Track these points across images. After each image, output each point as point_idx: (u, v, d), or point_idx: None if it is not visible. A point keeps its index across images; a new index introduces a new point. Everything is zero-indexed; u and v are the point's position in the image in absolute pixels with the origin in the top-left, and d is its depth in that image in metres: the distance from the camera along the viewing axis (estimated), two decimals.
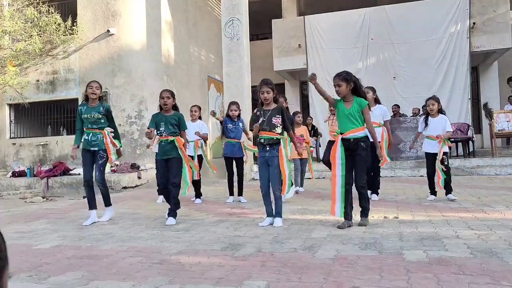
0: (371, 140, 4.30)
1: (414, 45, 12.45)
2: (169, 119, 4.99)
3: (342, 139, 4.14)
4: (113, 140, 5.12)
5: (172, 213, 4.88)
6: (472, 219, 4.33)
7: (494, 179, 8.43)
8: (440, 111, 5.87)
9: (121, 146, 5.28)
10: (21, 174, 11.04)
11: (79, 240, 4.08)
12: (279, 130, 4.41)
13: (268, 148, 4.42)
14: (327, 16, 13.35)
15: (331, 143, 6.55)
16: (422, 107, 11.43)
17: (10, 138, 12.29)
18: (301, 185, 8.09)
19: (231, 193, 6.63)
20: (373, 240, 3.55)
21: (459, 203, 5.40)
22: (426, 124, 5.89)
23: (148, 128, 5.02)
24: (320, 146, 11.85)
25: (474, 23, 12.11)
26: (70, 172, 10.56)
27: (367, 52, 12.88)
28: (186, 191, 5.25)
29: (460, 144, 11.05)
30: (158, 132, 5.01)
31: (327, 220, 4.58)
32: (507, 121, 9.94)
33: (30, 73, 11.80)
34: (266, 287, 2.47)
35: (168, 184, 4.93)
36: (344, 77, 4.13)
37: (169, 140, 4.93)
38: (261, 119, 4.45)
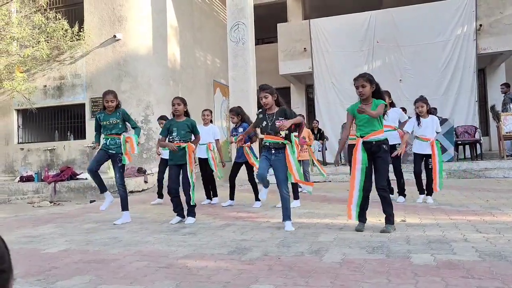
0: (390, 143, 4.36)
1: (420, 48, 12.40)
2: (181, 125, 5.15)
3: (363, 142, 4.09)
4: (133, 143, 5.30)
5: (191, 213, 5.15)
6: (480, 222, 4.29)
7: (503, 181, 8.35)
8: (430, 111, 5.92)
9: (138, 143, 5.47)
10: (29, 179, 11.12)
11: (86, 244, 4.09)
12: (283, 134, 4.40)
13: (273, 151, 4.42)
14: (332, 20, 13.35)
15: (351, 147, 6.63)
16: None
17: (18, 143, 12.39)
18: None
19: (231, 197, 6.65)
20: (380, 243, 3.53)
21: (467, 206, 5.36)
22: (419, 124, 5.88)
23: (160, 135, 5.31)
24: (326, 149, 11.84)
25: (480, 25, 12.04)
26: (77, 176, 10.62)
27: (372, 55, 12.85)
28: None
29: (467, 146, 10.97)
30: (171, 138, 5.16)
31: (334, 223, 4.56)
32: None
33: (37, 78, 11.91)
34: None
35: (178, 189, 5.11)
36: (369, 78, 4.14)
37: (181, 146, 5.08)
38: (264, 123, 4.50)
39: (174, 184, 5.11)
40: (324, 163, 11.62)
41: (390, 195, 5.21)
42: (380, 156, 4.09)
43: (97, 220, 5.66)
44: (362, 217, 4.18)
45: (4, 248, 0.82)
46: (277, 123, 4.37)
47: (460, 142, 10.64)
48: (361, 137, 4.11)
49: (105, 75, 11.34)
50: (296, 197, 6.16)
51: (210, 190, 7.07)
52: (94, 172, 5.27)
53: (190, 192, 5.12)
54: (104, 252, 3.72)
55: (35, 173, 11.14)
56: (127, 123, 5.37)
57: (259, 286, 2.57)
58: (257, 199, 6.46)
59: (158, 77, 11.30)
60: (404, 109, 11.57)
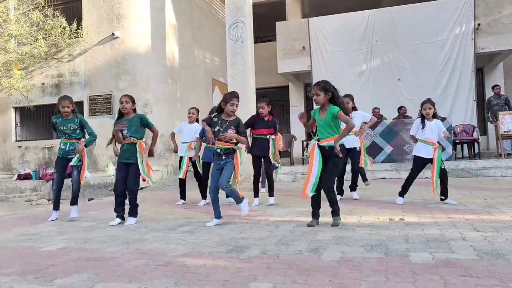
0: (352, 146, 4.92)
1: (418, 47, 12.40)
2: (131, 121, 5.14)
3: (319, 146, 4.37)
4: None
5: (133, 213, 5.14)
6: (478, 221, 4.30)
7: (500, 180, 8.37)
8: (435, 115, 5.73)
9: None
10: (26, 177, 11.10)
11: (84, 242, 4.09)
12: (234, 140, 4.66)
13: (224, 157, 4.66)
14: (331, 18, 13.34)
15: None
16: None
17: (16, 141, 12.37)
18: None
19: (256, 194, 6.56)
20: (379, 242, 3.54)
21: (465, 205, 5.37)
22: (423, 127, 5.69)
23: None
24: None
25: (479, 24, 12.06)
26: None
27: (371, 54, 12.86)
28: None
29: (465, 145, 11.00)
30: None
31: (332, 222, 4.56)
32: None
33: (35, 76, 11.88)
34: None
35: (124, 188, 5.14)
36: (323, 87, 4.31)
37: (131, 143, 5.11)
38: (217, 128, 4.68)
39: (120, 184, 5.11)
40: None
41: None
42: (331, 160, 4.33)
43: (95, 218, 5.65)
44: (315, 215, 4.48)
45: None
46: (229, 131, 4.61)
47: (458, 141, 10.65)
48: (318, 140, 4.39)
49: (103, 73, 11.32)
50: (271, 194, 6.33)
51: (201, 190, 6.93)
52: (59, 191, 5.62)
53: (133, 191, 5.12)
54: (102, 250, 3.71)
55: (33, 171, 11.13)
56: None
57: (257, 284, 2.57)
58: (256, 195, 6.46)
59: (157, 76, 11.29)
60: (402, 108, 11.65)
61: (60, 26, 10.86)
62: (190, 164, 6.78)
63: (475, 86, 12.15)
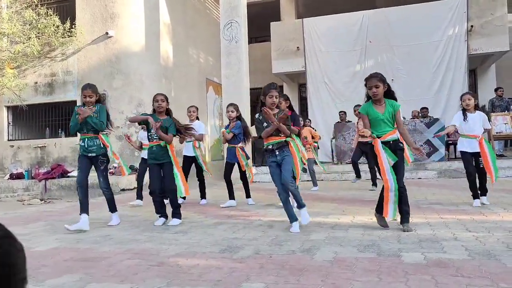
0: None
1: (412, 48, 12.47)
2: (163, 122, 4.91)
3: (382, 142, 4.00)
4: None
5: (176, 215, 4.96)
6: (470, 221, 4.33)
7: None
8: (477, 107, 5.42)
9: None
10: (19, 176, 11.01)
11: (77, 242, 4.07)
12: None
13: (277, 152, 4.28)
14: (325, 19, 13.37)
15: (361, 145, 6.71)
16: (421, 110, 11.50)
17: (8, 140, 12.27)
18: (315, 185, 8.25)
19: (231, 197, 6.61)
20: (371, 242, 3.55)
21: (457, 205, 5.40)
22: (464, 119, 5.37)
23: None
24: (318, 148, 11.86)
25: (472, 26, 12.14)
26: (69, 174, 10.54)
27: (365, 55, 12.90)
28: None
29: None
30: (149, 135, 4.96)
31: (325, 222, 4.58)
32: (505, 124, 9.95)
33: (28, 75, 11.79)
34: None
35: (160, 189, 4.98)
36: (381, 78, 4.04)
37: (161, 144, 4.88)
38: (264, 124, 4.32)
39: (156, 185, 4.94)
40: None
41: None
42: (399, 155, 4.04)
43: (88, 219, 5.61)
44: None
45: (24, 255, 0.82)
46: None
47: (451, 141, 10.72)
48: (378, 137, 4.01)
49: (97, 72, 11.26)
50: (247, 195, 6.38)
51: (202, 189, 6.99)
52: (85, 187, 4.85)
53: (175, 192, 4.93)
54: (94, 250, 3.69)
55: (25, 171, 11.04)
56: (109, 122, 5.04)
57: (250, 284, 2.57)
58: (248, 196, 6.48)
59: (151, 75, 11.25)
60: None
61: (53, 25, 10.79)
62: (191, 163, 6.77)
63: (468, 87, 12.22)
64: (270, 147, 4.31)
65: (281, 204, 5.87)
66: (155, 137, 4.88)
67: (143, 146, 6.84)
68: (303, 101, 15.59)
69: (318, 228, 4.25)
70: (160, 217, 4.98)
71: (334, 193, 7.55)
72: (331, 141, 11.84)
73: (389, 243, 3.49)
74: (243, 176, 6.53)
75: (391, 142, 4.02)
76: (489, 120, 10.15)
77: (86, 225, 4.68)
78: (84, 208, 4.77)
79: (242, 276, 2.73)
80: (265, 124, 4.32)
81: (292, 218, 4.23)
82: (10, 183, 10.47)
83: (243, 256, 3.24)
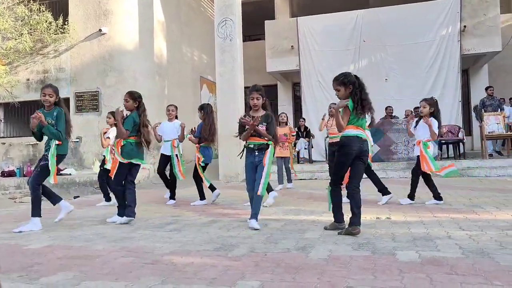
0: None
1: (405, 48, 12.51)
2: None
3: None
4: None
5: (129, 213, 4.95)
6: (463, 220, 4.36)
7: (485, 180, 8.51)
8: (433, 114, 5.63)
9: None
10: (10, 174, 10.92)
11: (70, 240, 4.04)
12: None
13: (257, 153, 4.43)
14: (319, 18, 13.38)
15: (331, 146, 6.49)
16: (414, 109, 11.55)
17: (0, 137, 12.15)
18: (290, 181, 8.25)
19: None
20: (366, 240, 3.56)
21: (450, 204, 5.44)
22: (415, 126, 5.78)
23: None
24: (312, 147, 11.89)
25: (465, 26, 12.21)
26: (61, 172, 10.46)
27: (359, 54, 12.93)
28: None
29: (451, 146, 11.15)
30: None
31: (320, 220, 4.58)
32: (497, 123, 10.04)
33: (20, 72, 11.69)
34: (259, 287, 2.46)
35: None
36: (342, 81, 4.12)
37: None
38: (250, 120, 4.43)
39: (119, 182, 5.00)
40: (310, 160, 11.66)
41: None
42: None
43: (81, 216, 5.58)
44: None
45: None
46: (261, 127, 4.40)
47: (444, 141, 10.79)
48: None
49: (90, 69, 11.18)
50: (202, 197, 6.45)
51: (172, 190, 6.85)
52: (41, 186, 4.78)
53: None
54: (88, 248, 3.67)
55: (17, 168, 10.95)
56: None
57: (245, 282, 2.57)
58: (202, 198, 6.51)
59: (144, 72, 11.20)
60: (388, 108, 11.74)
61: (46, 21, 10.70)
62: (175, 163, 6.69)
63: (460, 87, 12.30)
64: (251, 146, 4.46)
65: (265, 204, 5.81)
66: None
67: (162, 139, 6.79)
68: (297, 100, 15.61)
69: (312, 227, 4.25)
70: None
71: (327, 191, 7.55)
72: (325, 140, 11.86)
73: (384, 241, 3.51)
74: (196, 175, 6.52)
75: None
76: (481, 120, 10.28)
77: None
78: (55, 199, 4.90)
79: (237, 274, 2.73)
80: (246, 127, 4.45)
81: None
82: (1, 181, 10.38)
83: (238, 254, 3.24)
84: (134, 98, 5.10)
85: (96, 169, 10.47)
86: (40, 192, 4.73)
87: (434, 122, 5.58)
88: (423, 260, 2.89)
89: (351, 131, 3.96)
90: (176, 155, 6.62)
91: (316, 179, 10.12)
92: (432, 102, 5.68)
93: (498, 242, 3.31)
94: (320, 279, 2.57)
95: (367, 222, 4.42)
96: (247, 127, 4.43)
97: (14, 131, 12.34)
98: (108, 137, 6.72)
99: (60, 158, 4.85)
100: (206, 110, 6.44)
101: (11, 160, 11.74)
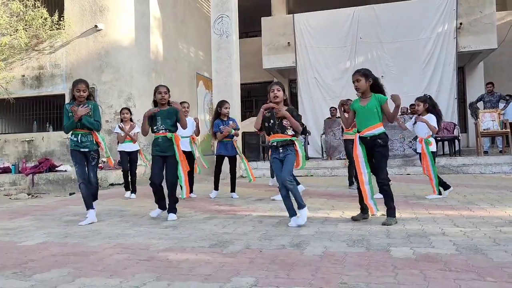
0: None
1: (402, 45, 12.54)
2: (165, 113, 4.90)
3: (360, 138, 4.21)
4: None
5: (173, 209, 4.91)
6: (457, 216, 4.38)
7: (479, 177, 8.55)
8: (428, 110, 5.77)
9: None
10: (5, 170, 10.87)
11: (65, 237, 4.03)
12: (290, 132, 4.29)
13: (281, 150, 4.27)
14: (316, 15, 13.38)
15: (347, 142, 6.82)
16: (410, 106, 11.57)
17: None
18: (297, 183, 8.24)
19: (216, 188, 6.77)
20: (361, 237, 3.58)
21: (445, 201, 5.46)
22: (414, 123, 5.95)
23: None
24: (308, 144, 11.89)
25: (461, 24, 12.24)
26: (57, 168, 10.43)
27: (355, 51, 12.94)
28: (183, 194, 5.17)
29: (446, 143, 11.18)
30: (155, 127, 4.92)
31: (315, 217, 4.59)
32: (492, 121, 10.08)
33: (15, 68, 11.61)
34: (254, 284, 2.47)
35: (161, 181, 4.94)
36: (364, 73, 4.21)
37: (168, 136, 4.87)
38: (272, 121, 4.31)
39: (158, 177, 4.88)
40: (306, 157, 11.65)
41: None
42: (376, 151, 4.19)
43: (76, 213, 5.57)
44: (363, 209, 4.35)
45: None
46: (284, 122, 4.27)
47: (439, 138, 10.82)
48: (358, 132, 4.25)
49: (85, 66, 11.13)
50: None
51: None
52: (87, 183, 4.81)
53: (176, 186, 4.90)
54: (83, 244, 3.66)
55: (12, 165, 10.90)
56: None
57: (240, 278, 2.57)
58: (233, 190, 6.67)
59: (140, 69, 11.16)
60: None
61: (41, 17, 10.63)
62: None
63: (456, 84, 12.34)
64: (274, 144, 4.32)
65: (273, 197, 5.99)
66: (161, 129, 4.87)
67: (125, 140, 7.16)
68: (293, 96, 15.59)
69: (307, 223, 4.26)
70: (158, 207, 5.02)
71: (323, 188, 7.59)
72: (321, 136, 11.88)
73: (378, 238, 3.52)
74: (233, 172, 6.69)
75: (368, 138, 4.18)
76: (477, 117, 10.31)
77: (95, 218, 4.83)
78: (89, 203, 4.82)
79: (232, 271, 2.73)
80: (272, 121, 4.31)
81: (291, 213, 4.25)
82: None
83: (233, 251, 3.24)
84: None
85: None
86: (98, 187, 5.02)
87: (431, 117, 5.71)
88: (417, 257, 2.90)
89: (383, 127, 4.20)
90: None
91: (312, 175, 10.14)
92: (424, 99, 5.84)
93: (492, 239, 3.33)
94: (314, 275, 2.58)
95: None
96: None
97: (9, 127, 12.28)
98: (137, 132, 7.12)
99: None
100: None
101: (6, 157, 11.68)
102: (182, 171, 4.92)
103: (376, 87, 4.27)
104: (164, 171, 4.98)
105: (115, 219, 5.00)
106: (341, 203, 5.62)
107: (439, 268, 2.63)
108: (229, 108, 6.70)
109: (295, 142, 4.31)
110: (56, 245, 3.67)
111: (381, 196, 5.17)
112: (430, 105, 5.81)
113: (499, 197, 5.67)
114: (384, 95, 4.26)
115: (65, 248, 3.54)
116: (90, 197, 4.83)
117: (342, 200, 5.86)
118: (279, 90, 4.35)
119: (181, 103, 6.92)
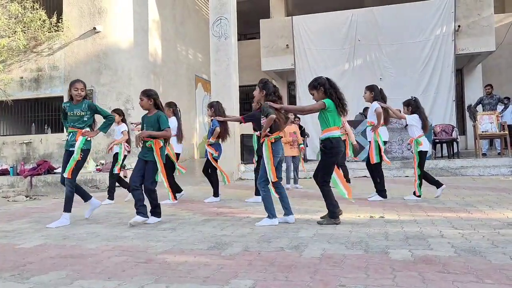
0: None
1: (400, 47, 12.56)
2: (151, 122, 4.88)
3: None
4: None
5: (156, 214, 4.87)
6: (456, 218, 4.38)
7: (478, 179, 8.56)
8: (413, 112, 6.04)
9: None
10: (3, 172, 10.86)
11: (63, 239, 4.02)
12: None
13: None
14: (314, 17, 13.39)
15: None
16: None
17: None
18: (296, 182, 8.17)
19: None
20: (359, 239, 3.57)
21: (443, 203, 5.46)
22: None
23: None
24: (307, 146, 11.90)
25: (459, 26, 12.27)
26: (55, 171, 10.41)
27: (354, 54, 12.95)
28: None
29: (444, 145, 11.20)
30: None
31: (314, 219, 4.59)
32: (490, 123, 10.10)
33: (13, 70, 11.61)
34: (253, 286, 2.47)
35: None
36: (313, 85, 4.53)
37: (147, 143, 4.83)
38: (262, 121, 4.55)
39: (134, 177, 4.81)
40: (305, 159, 11.67)
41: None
42: (321, 156, 4.45)
43: (74, 215, 5.54)
44: None
45: None
46: (262, 121, 4.48)
47: (437, 140, 10.84)
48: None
49: (84, 68, 11.13)
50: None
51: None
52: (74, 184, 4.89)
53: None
54: (81, 247, 3.65)
55: (10, 167, 10.89)
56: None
57: (239, 281, 2.57)
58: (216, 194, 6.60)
59: (139, 71, 11.16)
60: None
61: (40, 19, 10.64)
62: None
63: (454, 86, 12.36)
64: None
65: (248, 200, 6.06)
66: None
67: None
68: (292, 99, 15.61)
69: (306, 225, 4.26)
70: (137, 213, 4.72)
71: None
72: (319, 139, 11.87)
73: (377, 240, 3.52)
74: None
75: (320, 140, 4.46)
76: (475, 119, 10.33)
77: (66, 222, 4.84)
78: (66, 205, 4.86)
79: (230, 273, 2.73)
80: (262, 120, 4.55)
81: (273, 213, 4.43)
82: None
83: (232, 253, 3.24)
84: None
85: (91, 167, 10.45)
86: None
87: (414, 117, 5.99)
88: (415, 259, 2.90)
89: (337, 132, 4.32)
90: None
91: (310, 178, 10.12)
92: (408, 102, 6.16)
93: (490, 241, 3.33)
94: (313, 277, 2.58)
95: (361, 221, 4.44)
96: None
97: (7, 129, 12.27)
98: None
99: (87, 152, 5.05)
100: (216, 108, 6.52)
101: (4, 159, 11.66)
102: (163, 177, 4.98)
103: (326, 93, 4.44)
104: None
105: (113, 221, 4.99)
106: (340, 205, 5.61)
107: (437, 270, 2.63)
108: (210, 110, 6.55)
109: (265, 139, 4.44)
110: (54, 248, 3.66)
111: (380, 198, 5.30)
112: (414, 107, 6.06)
113: (498, 199, 5.67)
114: (327, 97, 4.40)
115: (63, 251, 3.53)
116: (70, 199, 4.85)
117: (340, 203, 5.84)
118: (256, 89, 4.61)
119: (167, 103, 6.80)
